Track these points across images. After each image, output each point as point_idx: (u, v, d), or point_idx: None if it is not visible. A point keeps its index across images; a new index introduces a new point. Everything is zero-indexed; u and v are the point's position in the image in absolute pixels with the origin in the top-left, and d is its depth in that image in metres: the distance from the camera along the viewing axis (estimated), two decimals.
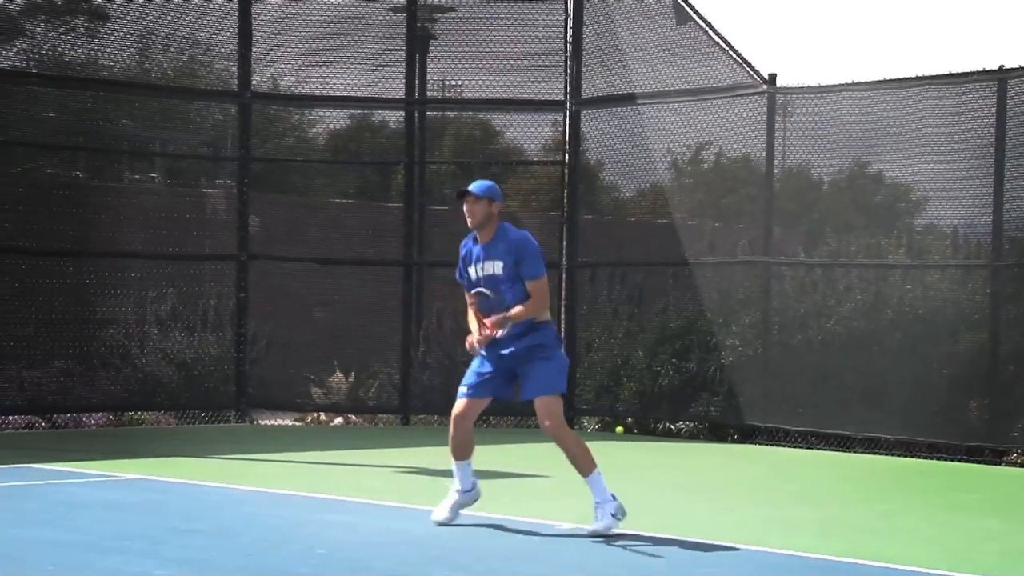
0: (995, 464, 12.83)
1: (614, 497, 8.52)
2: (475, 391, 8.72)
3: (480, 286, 8.75)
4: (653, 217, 15.95)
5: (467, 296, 8.91)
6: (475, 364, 8.81)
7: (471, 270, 8.82)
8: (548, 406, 8.55)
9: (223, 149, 16.03)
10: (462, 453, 8.85)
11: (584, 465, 8.56)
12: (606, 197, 16.49)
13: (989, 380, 13.03)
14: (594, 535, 8.46)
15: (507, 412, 15.62)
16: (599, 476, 8.55)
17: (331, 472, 11.94)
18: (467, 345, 8.81)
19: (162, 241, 15.26)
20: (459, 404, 8.77)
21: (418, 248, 15.78)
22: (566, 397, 8.73)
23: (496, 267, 8.70)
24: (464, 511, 8.92)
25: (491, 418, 15.68)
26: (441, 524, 8.83)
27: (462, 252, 8.91)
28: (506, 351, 8.67)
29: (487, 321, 8.66)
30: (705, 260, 15.08)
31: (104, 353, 14.90)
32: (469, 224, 8.81)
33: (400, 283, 15.76)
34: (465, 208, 8.78)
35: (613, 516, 8.48)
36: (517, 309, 8.60)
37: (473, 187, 8.79)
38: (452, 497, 8.91)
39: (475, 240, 8.84)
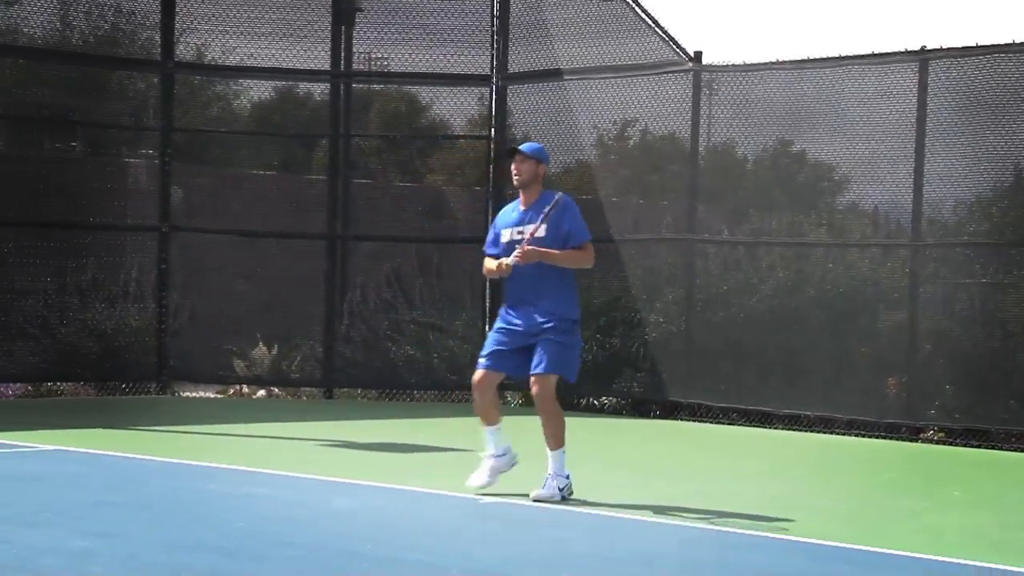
0: (912, 441, 13.00)
1: (568, 477, 8.82)
2: (490, 363, 8.94)
3: (507, 251, 8.89)
4: (578, 193, 15.90)
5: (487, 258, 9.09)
6: (492, 335, 9.06)
7: (505, 232, 8.96)
8: (541, 381, 8.76)
9: (145, 119, 15.86)
10: (486, 419, 9.08)
11: (555, 441, 8.80)
12: None
13: (907, 358, 13.20)
14: (537, 499, 8.73)
15: (427, 386, 15.65)
16: (562, 455, 8.82)
17: (253, 445, 11.89)
18: (496, 267, 8.93)
19: (82, 211, 15.08)
20: (476, 373, 9.00)
21: (342, 222, 15.71)
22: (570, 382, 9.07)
23: (540, 230, 8.83)
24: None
25: (415, 392, 15.71)
26: (479, 489, 9.01)
27: (500, 224, 9.06)
28: (518, 324, 8.88)
29: (519, 250, 8.80)
30: (630, 237, 15.14)
31: (22, 323, 14.72)
32: (516, 182, 9.02)
33: (324, 256, 15.69)
34: (513, 166, 8.98)
35: (560, 490, 8.77)
36: (559, 252, 8.80)
37: (523, 146, 9.03)
38: (486, 463, 9.12)
39: (517, 205, 9.01)
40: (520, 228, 8.91)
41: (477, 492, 9.03)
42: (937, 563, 7.53)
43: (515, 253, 8.80)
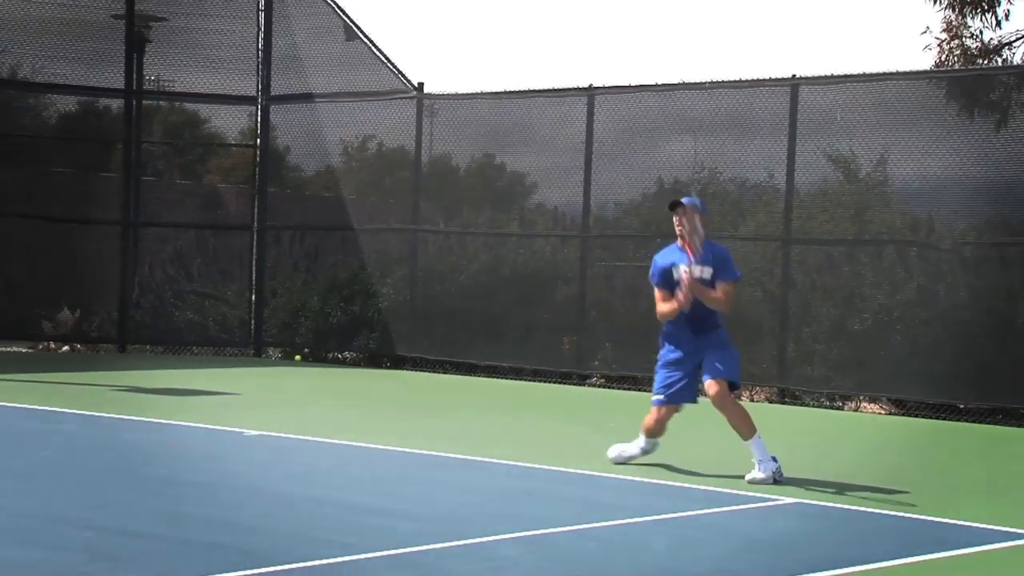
0: (580, 385, 13.55)
1: (775, 459, 7.77)
2: (670, 399, 8.02)
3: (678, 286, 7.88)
4: (327, 192, 16.06)
5: (660, 292, 8.00)
6: (666, 370, 8.05)
7: (675, 271, 7.91)
8: (720, 384, 7.85)
9: None
10: (655, 434, 8.20)
11: (745, 431, 7.84)
12: (290, 175, 16.51)
13: (577, 322, 13.74)
14: (752, 482, 7.69)
15: (203, 343, 15.54)
16: (759, 441, 7.81)
17: (56, 390, 11.59)
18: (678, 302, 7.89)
19: None
20: (656, 411, 8.06)
21: (134, 211, 15.46)
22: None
23: (705, 272, 7.89)
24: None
25: (193, 348, 15.57)
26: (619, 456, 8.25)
27: (663, 262, 8.01)
28: (699, 336, 7.93)
29: (685, 286, 7.80)
30: (367, 227, 15.32)
31: None
32: (683, 232, 7.87)
33: (119, 239, 15.39)
34: (677, 219, 7.88)
35: (772, 473, 7.72)
36: (716, 292, 7.88)
37: (686, 200, 7.97)
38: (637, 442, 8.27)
39: (679, 249, 7.95)
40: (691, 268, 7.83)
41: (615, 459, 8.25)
42: (598, 477, 7.93)
43: (683, 294, 7.82)
